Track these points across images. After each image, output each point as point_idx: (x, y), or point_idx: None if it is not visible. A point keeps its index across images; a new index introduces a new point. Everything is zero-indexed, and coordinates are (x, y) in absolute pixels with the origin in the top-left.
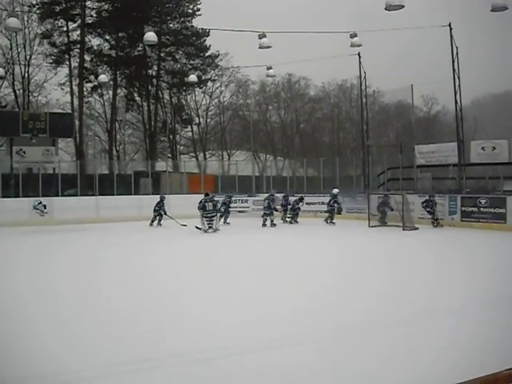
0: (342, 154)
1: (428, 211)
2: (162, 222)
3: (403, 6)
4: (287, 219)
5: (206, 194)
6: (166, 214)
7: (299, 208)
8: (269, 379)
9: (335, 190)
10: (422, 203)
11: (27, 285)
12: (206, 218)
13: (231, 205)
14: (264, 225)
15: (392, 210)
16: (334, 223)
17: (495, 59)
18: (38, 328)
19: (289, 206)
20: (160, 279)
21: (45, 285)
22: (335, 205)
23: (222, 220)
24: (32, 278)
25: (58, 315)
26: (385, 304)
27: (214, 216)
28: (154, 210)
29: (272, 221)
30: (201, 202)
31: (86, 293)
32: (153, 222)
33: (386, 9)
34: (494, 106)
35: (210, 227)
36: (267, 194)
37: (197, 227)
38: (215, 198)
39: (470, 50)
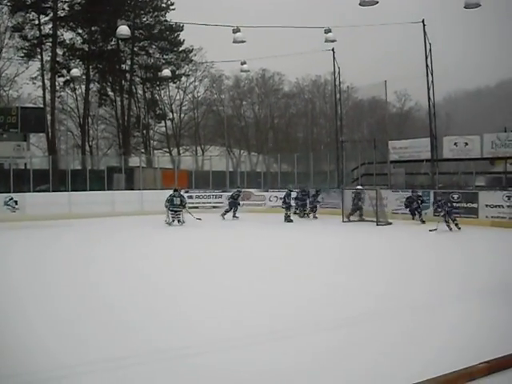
0: (315, 149)
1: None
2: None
3: (377, 2)
4: (306, 214)
5: (175, 190)
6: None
7: (318, 201)
8: (258, 375)
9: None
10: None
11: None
12: (171, 211)
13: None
14: (290, 220)
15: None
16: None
17: (468, 56)
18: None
19: (308, 200)
20: (137, 275)
21: (15, 280)
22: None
23: (231, 214)
24: (4, 274)
25: (35, 311)
26: (346, 299)
27: (180, 211)
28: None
29: (289, 216)
30: (169, 196)
31: (57, 288)
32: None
33: (360, 4)
34: (466, 102)
35: (175, 220)
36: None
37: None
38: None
39: (443, 47)
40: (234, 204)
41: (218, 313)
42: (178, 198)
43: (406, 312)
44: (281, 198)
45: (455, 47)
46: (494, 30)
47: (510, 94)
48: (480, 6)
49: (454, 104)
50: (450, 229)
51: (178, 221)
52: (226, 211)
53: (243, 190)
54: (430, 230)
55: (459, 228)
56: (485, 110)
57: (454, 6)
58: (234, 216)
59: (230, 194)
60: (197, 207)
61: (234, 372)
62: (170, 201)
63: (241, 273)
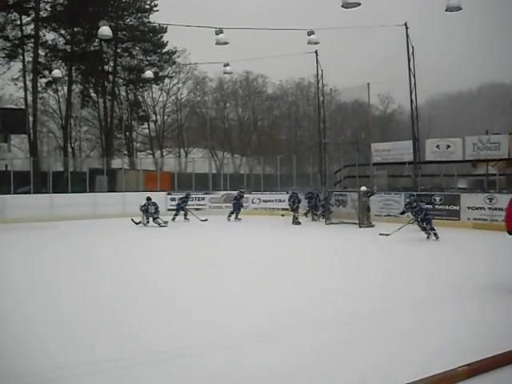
0: (299, 151)
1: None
2: (188, 216)
3: (359, 4)
4: (316, 217)
5: (148, 198)
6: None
7: (331, 204)
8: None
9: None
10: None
11: None
12: (148, 216)
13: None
14: (298, 222)
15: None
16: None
17: (450, 59)
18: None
19: (320, 203)
20: (122, 276)
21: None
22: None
23: (234, 216)
24: None
25: (18, 314)
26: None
27: (157, 217)
28: (177, 205)
29: (297, 218)
30: (144, 205)
31: (37, 291)
32: (175, 216)
33: (342, 6)
34: (448, 105)
35: (148, 222)
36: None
37: (133, 220)
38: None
39: (425, 50)
40: (237, 205)
41: (217, 314)
42: (153, 206)
43: (402, 312)
44: (264, 201)
45: (437, 50)
46: (477, 34)
47: (492, 98)
48: (461, 9)
49: (437, 107)
50: (428, 237)
51: (161, 222)
52: (231, 213)
53: (225, 192)
54: (381, 234)
55: (437, 237)
56: (466, 112)
57: (436, 9)
58: (236, 218)
59: (234, 195)
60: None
61: (233, 373)
62: (145, 210)
63: (242, 275)
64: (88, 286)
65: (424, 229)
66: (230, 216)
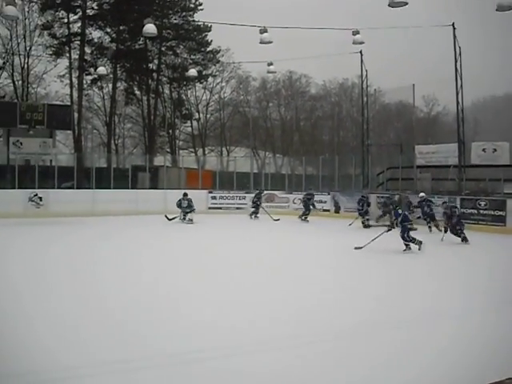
0: (341, 153)
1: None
2: (258, 214)
3: (407, 3)
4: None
5: (184, 194)
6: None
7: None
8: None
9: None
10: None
11: (22, 278)
12: (182, 212)
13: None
14: (367, 226)
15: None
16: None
17: (497, 60)
18: (32, 323)
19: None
20: (155, 276)
21: (39, 279)
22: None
23: (302, 217)
24: (26, 271)
25: (52, 310)
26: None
27: (188, 212)
28: (253, 202)
29: (306, 217)
30: (179, 200)
31: (80, 288)
32: (253, 214)
33: (389, 5)
34: (495, 107)
35: (184, 218)
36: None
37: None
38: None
39: (471, 51)
40: (307, 206)
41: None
42: (185, 201)
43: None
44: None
45: (483, 51)
46: None
47: None
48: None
49: (482, 109)
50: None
51: (186, 219)
52: (304, 213)
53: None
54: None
55: (466, 241)
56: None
57: (485, 8)
58: (303, 218)
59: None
60: (220, 208)
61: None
62: (178, 205)
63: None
64: (93, 282)
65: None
66: (301, 216)
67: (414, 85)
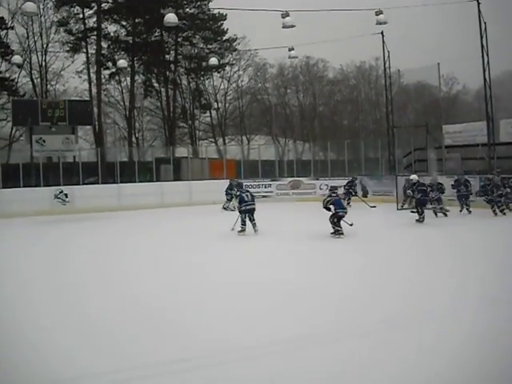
0: (362, 136)
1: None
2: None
3: None
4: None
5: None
6: (356, 194)
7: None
8: None
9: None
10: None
11: (47, 278)
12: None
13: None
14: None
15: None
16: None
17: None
18: (50, 324)
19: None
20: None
21: (67, 278)
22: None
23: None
24: (53, 269)
25: (75, 309)
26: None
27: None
28: (346, 190)
29: (348, 202)
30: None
31: (107, 285)
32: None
33: None
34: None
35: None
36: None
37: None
38: None
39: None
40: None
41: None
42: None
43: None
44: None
45: (498, 28)
46: None
47: None
48: None
49: (501, 86)
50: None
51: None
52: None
53: (291, 179)
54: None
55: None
56: None
57: None
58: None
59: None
60: None
61: None
62: (240, 201)
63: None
64: (120, 279)
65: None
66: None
67: (438, 63)
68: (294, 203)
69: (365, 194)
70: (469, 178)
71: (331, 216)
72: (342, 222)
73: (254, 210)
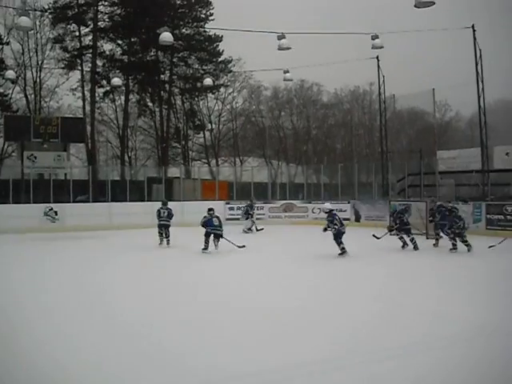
0: (354, 160)
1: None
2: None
3: (434, 3)
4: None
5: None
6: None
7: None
8: None
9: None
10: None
11: (33, 294)
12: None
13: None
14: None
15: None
16: None
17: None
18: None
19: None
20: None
21: (51, 295)
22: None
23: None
24: (37, 286)
25: (60, 327)
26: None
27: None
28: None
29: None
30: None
31: (92, 303)
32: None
33: (415, 6)
34: (505, 112)
35: None
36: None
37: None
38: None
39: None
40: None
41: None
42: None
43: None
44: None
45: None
46: None
47: None
48: None
49: (493, 114)
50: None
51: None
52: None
53: (284, 201)
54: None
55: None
56: None
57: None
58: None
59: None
60: (238, 219)
61: None
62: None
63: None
64: (106, 298)
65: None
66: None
67: (433, 89)
68: (288, 226)
69: (357, 219)
70: (462, 205)
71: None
72: None
73: (220, 235)
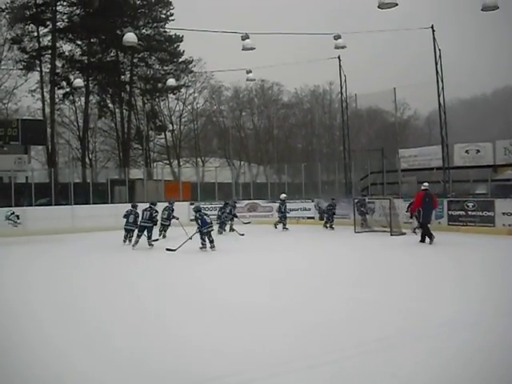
0: (315, 160)
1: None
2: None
3: (396, 4)
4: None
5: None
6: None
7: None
8: None
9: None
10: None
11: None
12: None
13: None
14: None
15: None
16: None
17: (464, 64)
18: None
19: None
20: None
21: (21, 300)
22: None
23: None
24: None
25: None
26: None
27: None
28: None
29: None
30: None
31: (59, 307)
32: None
33: (378, 7)
34: (462, 110)
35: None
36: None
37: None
38: None
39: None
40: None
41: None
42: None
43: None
44: (289, 210)
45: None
46: (490, 37)
47: (506, 103)
48: (498, 8)
49: (451, 112)
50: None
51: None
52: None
53: (248, 201)
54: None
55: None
56: (482, 118)
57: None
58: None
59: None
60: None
61: None
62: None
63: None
64: (72, 302)
65: None
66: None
67: (395, 88)
68: (253, 226)
69: (322, 217)
70: None
71: None
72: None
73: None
